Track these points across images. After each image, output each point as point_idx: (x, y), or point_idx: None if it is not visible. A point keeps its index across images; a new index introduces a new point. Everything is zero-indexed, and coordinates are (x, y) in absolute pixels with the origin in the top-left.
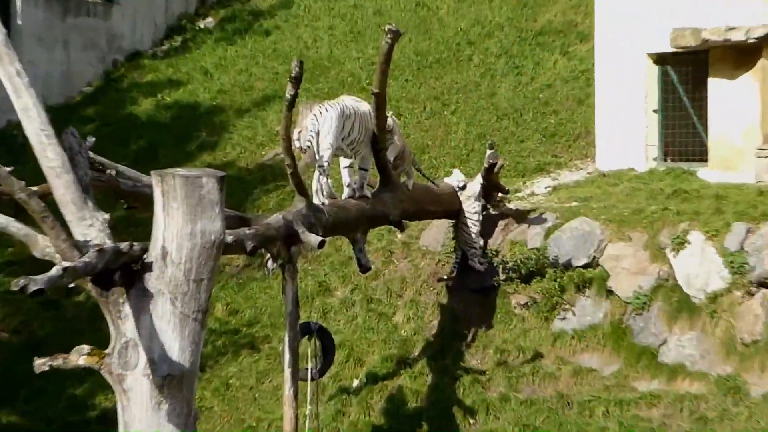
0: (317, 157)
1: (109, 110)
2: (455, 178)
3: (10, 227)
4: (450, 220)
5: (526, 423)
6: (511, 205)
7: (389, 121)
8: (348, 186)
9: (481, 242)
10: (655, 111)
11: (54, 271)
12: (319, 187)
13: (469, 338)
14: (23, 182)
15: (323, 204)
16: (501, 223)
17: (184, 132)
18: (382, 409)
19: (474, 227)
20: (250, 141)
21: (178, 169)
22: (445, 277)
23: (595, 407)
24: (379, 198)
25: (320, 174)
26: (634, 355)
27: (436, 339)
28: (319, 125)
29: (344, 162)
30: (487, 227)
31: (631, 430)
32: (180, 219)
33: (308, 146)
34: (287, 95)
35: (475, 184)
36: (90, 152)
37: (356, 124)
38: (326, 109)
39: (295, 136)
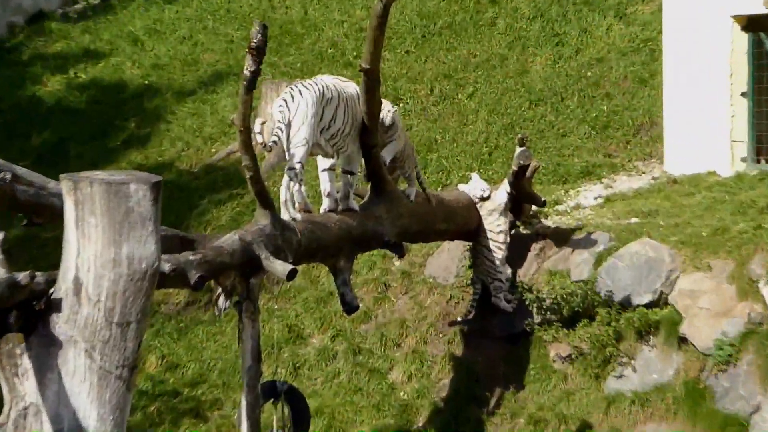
0: (287, 157)
1: (2, 92)
2: (474, 186)
3: None
4: (466, 243)
5: None
6: (549, 222)
7: (385, 108)
8: (328, 196)
9: (509, 272)
10: (743, 95)
11: None
12: (288, 197)
13: (493, 403)
14: None
15: (294, 220)
16: (535, 247)
17: (105, 122)
18: None
19: (499, 252)
20: (195, 134)
21: (98, 172)
22: (460, 320)
23: None
24: (371, 212)
25: (291, 179)
26: (716, 428)
27: (448, 404)
28: (290, 114)
29: (323, 163)
30: (517, 252)
31: None
32: (99, 240)
33: (275, 142)
34: (246, 72)
35: (501, 194)
36: None
37: (340, 112)
38: (299, 92)
39: (256, 128)
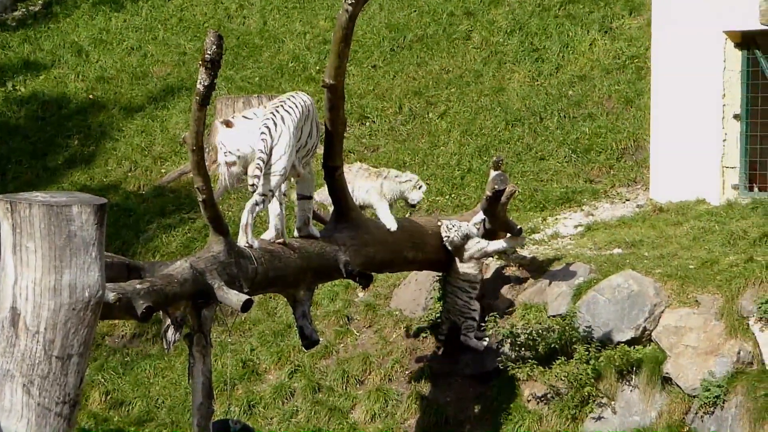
0: (252, 180)
1: None
2: (452, 227)
3: None
4: (435, 273)
5: None
6: (525, 252)
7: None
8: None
9: (477, 307)
10: (736, 117)
11: None
12: (250, 222)
13: None
14: None
15: (251, 247)
16: (510, 278)
17: (46, 139)
18: None
19: (473, 290)
20: (144, 153)
21: (37, 193)
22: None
23: None
24: (333, 239)
25: (258, 204)
26: None
27: None
28: (272, 142)
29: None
30: (491, 284)
31: None
32: (39, 267)
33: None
34: (199, 86)
35: (471, 223)
36: None
37: (313, 127)
38: (282, 119)
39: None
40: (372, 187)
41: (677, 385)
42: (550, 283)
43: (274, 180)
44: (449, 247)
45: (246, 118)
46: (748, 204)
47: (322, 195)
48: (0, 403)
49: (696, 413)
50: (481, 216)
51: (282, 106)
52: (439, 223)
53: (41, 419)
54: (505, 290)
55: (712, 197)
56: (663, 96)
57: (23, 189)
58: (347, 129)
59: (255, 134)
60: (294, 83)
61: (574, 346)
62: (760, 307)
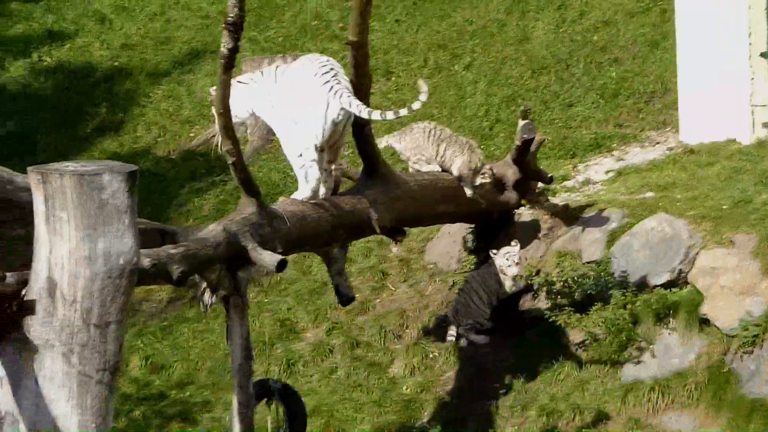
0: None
1: None
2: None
3: None
4: (468, 225)
5: None
6: (557, 200)
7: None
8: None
9: (488, 314)
10: (763, 55)
11: None
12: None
13: (501, 395)
14: None
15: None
16: (543, 227)
17: (74, 108)
18: None
19: (491, 297)
20: (172, 118)
21: (67, 163)
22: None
23: None
24: (364, 196)
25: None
26: (743, 413)
27: (454, 398)
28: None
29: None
30: (523, 233)
31: None
32: (73, 236)
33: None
34: (223, 49)
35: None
36: None
37: None
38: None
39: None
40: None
41: (715, 326)
42: (583, 230)
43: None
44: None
45: (241, 83)
46: None
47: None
48: (41, 373)
49: (735, 353)
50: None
51: (334, 68)
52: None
53: (82, 387)
54: (539, 239)
55: (743, 136)
56: (688, 37)
57: (54, 159)
58: (373, 85)
59: (252, 98)
60: (318, 42)
61: (610, 291)
62: None
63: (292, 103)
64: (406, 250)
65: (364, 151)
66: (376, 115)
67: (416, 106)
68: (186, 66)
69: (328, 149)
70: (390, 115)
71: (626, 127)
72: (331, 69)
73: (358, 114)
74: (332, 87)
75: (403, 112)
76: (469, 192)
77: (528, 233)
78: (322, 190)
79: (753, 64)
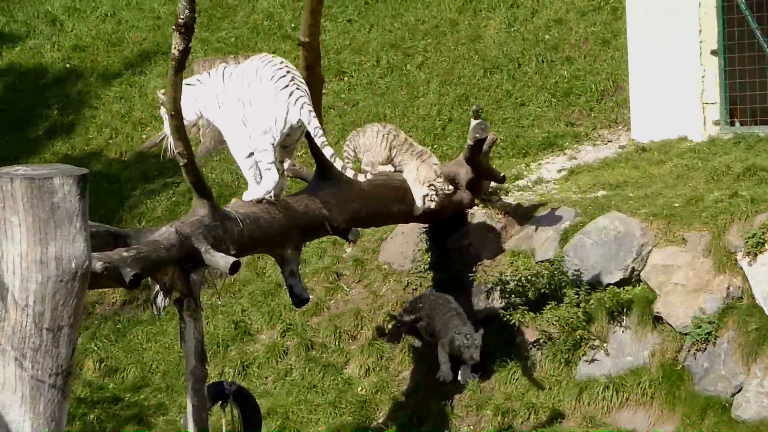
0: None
1: None
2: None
3: None
4: (422, 225)
5: None
6: (510, 199)
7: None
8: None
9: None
10: (714, 53)
11: None
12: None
13: (457, 395)
14: None
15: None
16: (496, 226)
17: (25, 110)
18: None
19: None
20: (124, 120)
21: (18, 166)
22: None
23: None
24: (316, 196)
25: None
26: (697, 410)
27: (409, 398)
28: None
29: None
30: (476, 232)
31: None
32: (24, 241)
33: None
34: (174, 51)
35: None
36: None
37: None
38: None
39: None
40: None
41: (668, 324)
42: (536, 229)
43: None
44: None
45: (188, 84)
46: (730, 139)
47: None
48: None
49: (688, 351)
50: None
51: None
52: None
53: (35, 391)
54: (492, 238)
55: (694, 134)
56: (639, 35)
57: (4, 162)
58: (325, 85)
59: (199, 100)
60: (270, 42)
61: (564, 290)
62: (747, 242)
63: (245, 103)
64: (360, 250)
65: (317, 152)
66: (327, 151)
67: (362, 178)
68: (137, 67)
69: (282, 149)
70: (338, 164)
71: (578, 126)
72: (288, 72)
73: (312, 135)
74: (292, 93)
75: (350, 172)
76: (419, 205)
77: (482, 232)
78: (272, 185)
79: (704, 62)
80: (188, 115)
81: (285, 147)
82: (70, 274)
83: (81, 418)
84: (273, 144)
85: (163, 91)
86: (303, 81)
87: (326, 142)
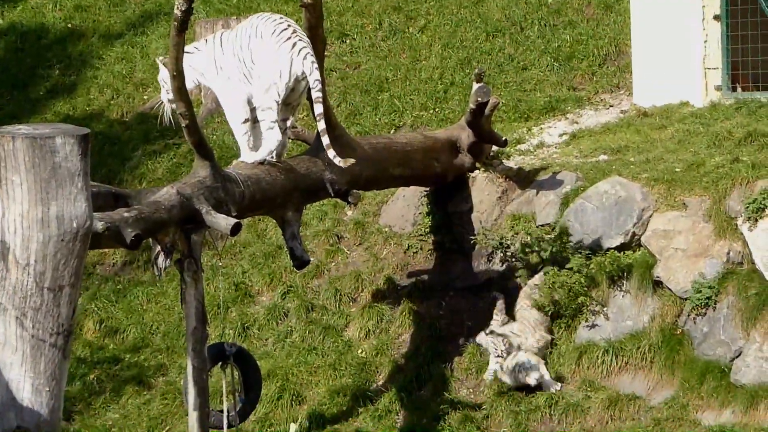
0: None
1: None
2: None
3: None
4: (423, 189)
5: None
6: (512, 163)
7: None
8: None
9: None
10: (717, 18)
11: None
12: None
13: (456, 359)
14: None
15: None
16: (497, 190)
17: (26, 70)
18: None
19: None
20: (125, 81)
21: (19, 126)
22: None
23: None
24: (319, 159)
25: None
26: (696, 375)
27: (409, 361)
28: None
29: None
30: (477, 196)
31: None
32: (25, 200)
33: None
34: (176, 11)
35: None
36: None
37: None
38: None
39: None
40: None
41: (668, 289)
42: (537, 193)
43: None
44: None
45: (187, 53)
46: (732, 104)
47: None
48: None
49: (688, 315)
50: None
51: (292, 25)
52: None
53: (36, 350)
54: (493, 202)
55: (696, 99)
56: (642, 0)
57: (6, 122)
58: (327, 47)
59: (197, 68)
60: (272, 3)
61: (565, 255)
62: (747, 207)
63: (246, 61)
64: (361, 213)
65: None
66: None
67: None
68: (139, 28)
69: (285, 107)
70: (325, 140)
71: (580, 90)
72: (289, 26)
73: (311, 87)
74: (295, 44)
75: (331, 153)
76: None
77: (483, 196)
78: (275, 145)
79: (706, 26)
80: (186, 83)
81: (288, 104)
82: (72, 234)
83: (81, 378)
84: (277, 101)
85: (161, 57)
86: (304, 33)
87: (321, 98)
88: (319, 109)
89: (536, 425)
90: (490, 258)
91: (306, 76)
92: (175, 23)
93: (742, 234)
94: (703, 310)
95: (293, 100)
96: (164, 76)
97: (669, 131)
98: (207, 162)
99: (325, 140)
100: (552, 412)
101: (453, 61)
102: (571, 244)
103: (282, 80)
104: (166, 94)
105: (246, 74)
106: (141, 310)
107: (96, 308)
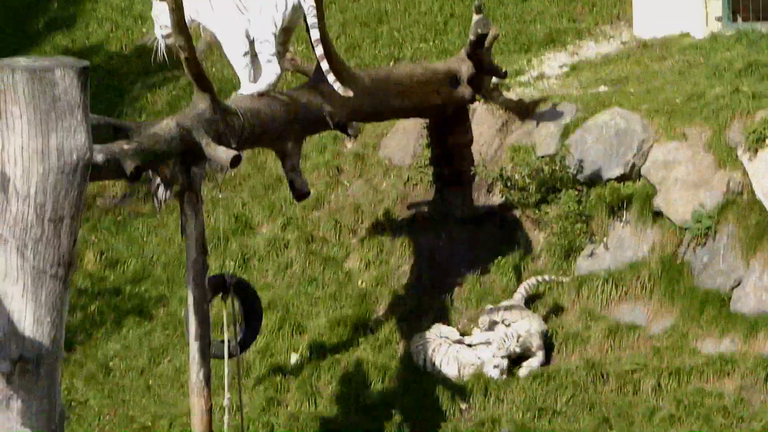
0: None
1: None
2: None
3: None
4: (423, 120)
5: (542, 406)
6: (512, 94)
7: None
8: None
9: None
10: None
11: None
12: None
13: (456, 289)
14: None
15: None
16: (497, 122)
17: (24, 3)
18: (334, 395)
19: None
20: (124, 14)
21: (19, 58)
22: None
23: (641, 380)
24: (317, 90)
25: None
26: (696, 304)
27: (409, 291)
28: None
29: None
30: (477, 128)
31: (694, 409)
32: (25, 132)
33: None
34: None
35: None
36: None
37: None
38: None
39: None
40: None
41: (668, 219)
42: (537, 125)
43: None
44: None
45: None
46: (732, 35)
47: None
48: None
49: (688, 245)
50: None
51: None
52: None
53: (37, 281)
54: (493, 133)
55: (696, 30)
56: None
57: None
58: None
59: (191, 7)
60: None
61: (565, 186)
62: (747, 137)
63: None
64: (361, 145)
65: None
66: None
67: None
68: None
69: (281, 31)
70: (324, 66)
71: (580, 21)
72: None
73: (306, 14)
74: None
75: (331, 77)
76: None
77: (483, 128)
78: (274, 77)
79: None
80: None
81: (285, 29)
82: (72, 166)
83: (82, 309)
84: (274, 33)
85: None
86: None
87: (317, 24)
88: (315, 35)
89: None
90: (490, 189)
91: (301, 4)
92: None
93: (742, 164)
94: (703, 240)
95: (291, 27)
96: (158, 11)
97: (669, 62)
98: (206, 94)
99: (324, 65)
100: (552, 342)
101: None
102: (571, 174)
103: (279, 10)
104: (159, 29)
105: (240, 7)
106: (141, 242)
107: (96, 240)
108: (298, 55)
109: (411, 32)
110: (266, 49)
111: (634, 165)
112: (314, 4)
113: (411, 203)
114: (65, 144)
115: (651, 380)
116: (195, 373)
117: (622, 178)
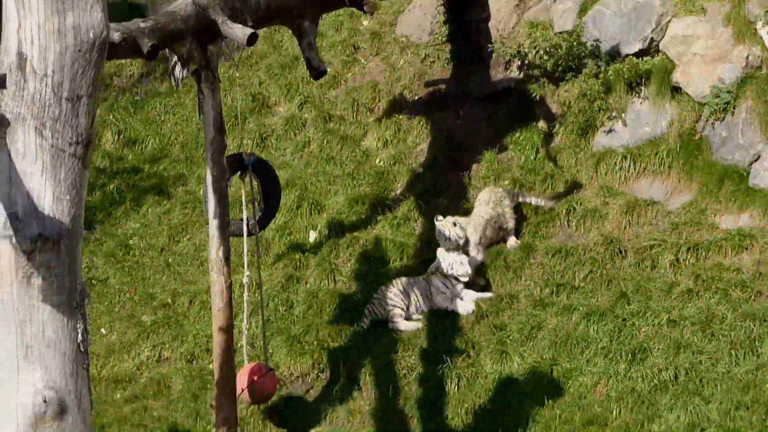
0: None
1: None
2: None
3: None
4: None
5: (560, 282)
6: None
7: None
8: None
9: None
10: None
11: None
12: None
13: (474, 166)
14: None
15: None
16: None
17: None
18: (353, 272)
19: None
20: None
21: None
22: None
23: (659, 255)
24: None
25: None
26: (714, 179)
27: (426, 170)
28: None
29: None
30: (496, 4)
31: (712, 283)
32: (41, 10)
33: None
34: None
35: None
36: None
37: None
38: None
39: None
40: None
41: (687, 94)
42: (554, 0)
43: None
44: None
45: None
46: None
47: None
48: (14, 147)
49: (707, 120)
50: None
51: None
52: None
53: (55, 160)
54: (510, 9)
55: None
56: None
57: None
58: None
59: None
60: None
61: (583, 61)
62: (767, 11)
63: None
64: (377, 23)
65: None
66: None
67: None
68: None
69: None
70: None
71: None
72: None
73: None
74: None
75: None
76: None
77: (500, 4)
78: None
79: None
80: None
81: None
82: (88, 44)
83: (101, 188)
84: None
85: None
86: None
87: None
88: None
89: (554, 230)
90: (508, 66)
91: None
92: None
93: (761, 38)
94: (722, 115)
95: None
96: None
97: None
98: None
99: None
100: (570, 218)
101: None
102: (589, 50)
103: None
104: None
105: None
106: (159, 121)
107: (114, 119)
108: None
109: None
110: None
111: (652, 40)
112: None
113: (428, 81)
114: (82, 22)
115: (669, 255)
116: (214, 251)
117: (640, 53)
